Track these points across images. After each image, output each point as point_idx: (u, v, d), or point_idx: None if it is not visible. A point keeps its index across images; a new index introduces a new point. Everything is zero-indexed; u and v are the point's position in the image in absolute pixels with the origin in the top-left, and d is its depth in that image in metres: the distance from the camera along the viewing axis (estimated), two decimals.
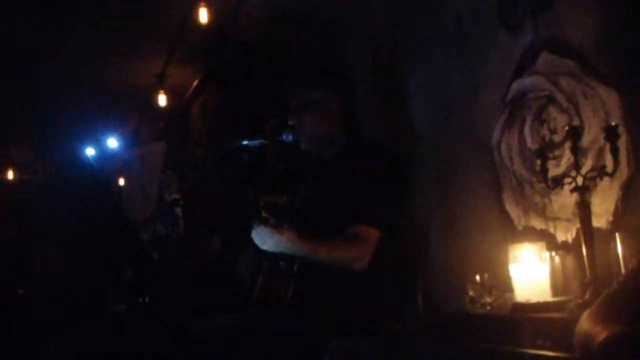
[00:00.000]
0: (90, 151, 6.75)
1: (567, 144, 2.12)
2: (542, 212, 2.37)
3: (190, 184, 6.10)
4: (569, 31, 2.23)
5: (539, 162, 2.17)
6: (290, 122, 2.37)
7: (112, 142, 6.72)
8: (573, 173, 2.01)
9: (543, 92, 2.35)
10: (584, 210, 1.96)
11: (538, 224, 2.39)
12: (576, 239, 2.14)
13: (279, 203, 2.27)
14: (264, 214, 2.19)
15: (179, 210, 6.23)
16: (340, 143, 2.39)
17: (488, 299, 2.22)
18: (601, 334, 1.29)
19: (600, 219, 2.07)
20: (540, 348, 1.78)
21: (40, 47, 4.82)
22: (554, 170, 2.22)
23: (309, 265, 2.18)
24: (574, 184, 1.99)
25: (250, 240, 2.22)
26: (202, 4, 4.16)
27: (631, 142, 1.99)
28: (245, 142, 2.43)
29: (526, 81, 2.43)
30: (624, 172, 2.01)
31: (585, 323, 1.39)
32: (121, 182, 6.72)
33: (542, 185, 2.28)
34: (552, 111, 2.31)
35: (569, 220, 2.23)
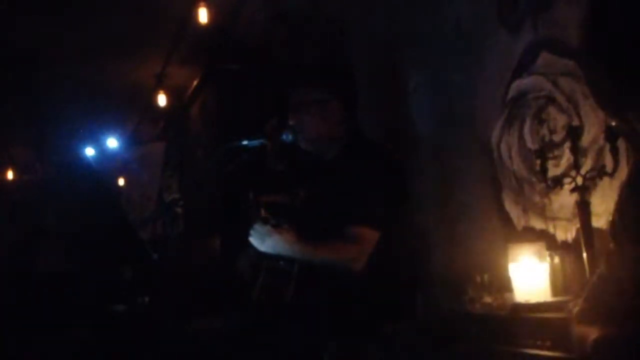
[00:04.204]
0: (90, 151, 6.75)
1: (567, 144, 2.12)
2: (542, 212, 2.37)
3: (190, 184, 6.10)
4: (568, 31, 2.23)
5: (538, 162, 2.17)
6: (290, 122, 2.37)
7: (112, 142, 6.73)
8: (573, 173, 2.01)
9: (543, 92, 2.35)
10: (583, 210, 1.96)
11: (538, 224, 2.39)
12: (576, 239, 2.14)
13: (279, 203, 2.26)
14: (264, 213, 2.19)
15: (179, 210, 6.23)
16: (340, 143, 2.38)
17: (488, 299, 2.22)
18: (592, 335, 1.32)
19: (600, 219, 2.07)
20: (540, 348, 1.79)
21: (40, 47, 4.82)
22: (553, 170, 2.22)
23: (309, 265, 2.18)
24: (573, 184, 1.99)
25: (249, 243, 2.22)
26: (202, 4, 4.16)
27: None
28: (245, 142, 2.43)
29: (526, 81, 2.43)
30: (623, 172, 2.00)
31: (578, 324, 1.41)
32: (121, 182, 6.72)
33: (542, 185, 2.28)
34: (552, 111, 2.31)
35: (568, 220, 2.23)
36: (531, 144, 2.41)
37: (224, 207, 4.64)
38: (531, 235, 2.38)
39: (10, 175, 6.99)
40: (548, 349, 1.76)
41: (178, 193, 6.50)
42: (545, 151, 2.22)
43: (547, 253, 2.10)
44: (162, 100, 5.71)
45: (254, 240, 2.21)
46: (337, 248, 2.15)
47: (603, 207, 2.07)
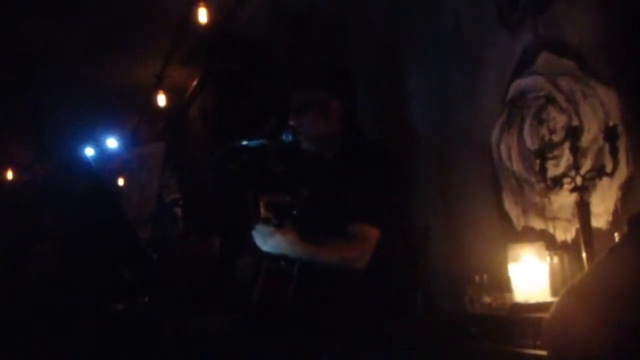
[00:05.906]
0: (89, 151, 6.75)
1: (567, 144, 2.12)
2: (542, 212, 2.37)
3: (190, 184, 6.11)
4: (568, 31, 2.23)
5: (538, 162, 2.17)
6: (291, 123, 2.37)
7: (112, 142, 6.72)
8: (572, 173, 2.01)
9: (542, 92, 2.35)
10: (583, 210, 1.96)
11: (537, 224, 2.39)
12: (575, 239, 2.15)
13: (280, 203, 2.26)
14: (266, 214, 2.19)
15: (178, 210, 6.23)
16: (340, 143, 2.39)
17: (488, 299, 2.22)
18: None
19: (600, 219, 2.07)
20: (540, 348, 1.79)
21: (40, 47, 4.83)
22: (553, 171, 2.23)
23: (310, 266, 2.18)
24: (573, 184, 1.99)
25: (251, 242, 2.22)
26: (202, 4, 4.17)
27: (630, 142, 2.00)
28: (245, 142, 2.43)
29: (525, 81, 2.43)
30: (623, 172, 2.01)
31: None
32: (120, 182, 6.71)
33: (542, 185, 2.28)
34: (552, 111, 2.31)
35: (568, 220, 2.24)
36: (531, 144, 2.41)
37: (224, 207, 4.64)
38: (531, 235, 2.38)
39: (10, 175, 6.99)
40: None
41: (178, 193, 6.50)
42: (544, 151, 2.22)
43: (546, 253, 2.10)
44: (161, 100, 5.71)
45: (256, 240, 2.21)
46: (340, 248, 2.15)
47: (602, 207, 2.08)
